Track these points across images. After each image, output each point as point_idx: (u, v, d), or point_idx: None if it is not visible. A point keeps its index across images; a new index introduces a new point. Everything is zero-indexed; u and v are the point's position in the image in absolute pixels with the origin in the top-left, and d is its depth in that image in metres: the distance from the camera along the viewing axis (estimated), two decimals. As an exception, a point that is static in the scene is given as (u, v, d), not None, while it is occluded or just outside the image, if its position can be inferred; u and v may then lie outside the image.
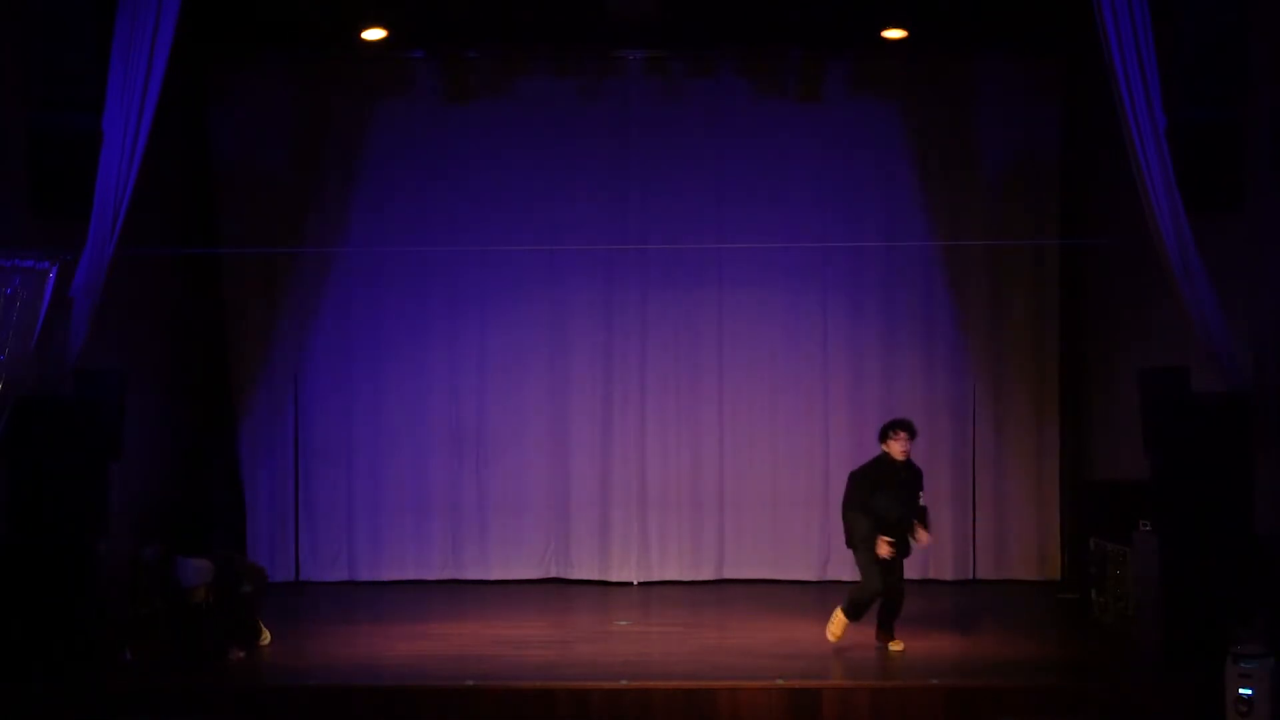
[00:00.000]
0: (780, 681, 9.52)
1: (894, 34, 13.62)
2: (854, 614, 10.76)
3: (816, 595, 13.63)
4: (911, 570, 14.18)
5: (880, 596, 10.74)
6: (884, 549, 10.54)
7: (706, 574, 14.33)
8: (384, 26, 13.60)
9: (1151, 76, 10.02)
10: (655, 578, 14.30)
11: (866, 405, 14.35)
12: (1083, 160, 14.02)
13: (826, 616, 12.42)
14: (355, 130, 14.32)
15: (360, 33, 13.61)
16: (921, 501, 10.84)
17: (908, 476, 10.72)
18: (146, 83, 10.17)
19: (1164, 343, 11.49)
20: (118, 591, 10.43)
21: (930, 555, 14.34)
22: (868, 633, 11.63)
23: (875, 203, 14.28)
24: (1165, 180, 10.03)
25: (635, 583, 14.26)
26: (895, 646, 10.78)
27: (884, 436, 10.75)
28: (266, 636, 10.92)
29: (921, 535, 10.82)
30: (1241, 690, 8.92)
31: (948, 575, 14.32)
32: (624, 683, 9.56)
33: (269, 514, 14.27)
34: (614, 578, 14.28)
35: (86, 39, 10.31)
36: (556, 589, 14.10)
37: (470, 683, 9.59)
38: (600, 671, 10.00)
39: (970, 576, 14.30)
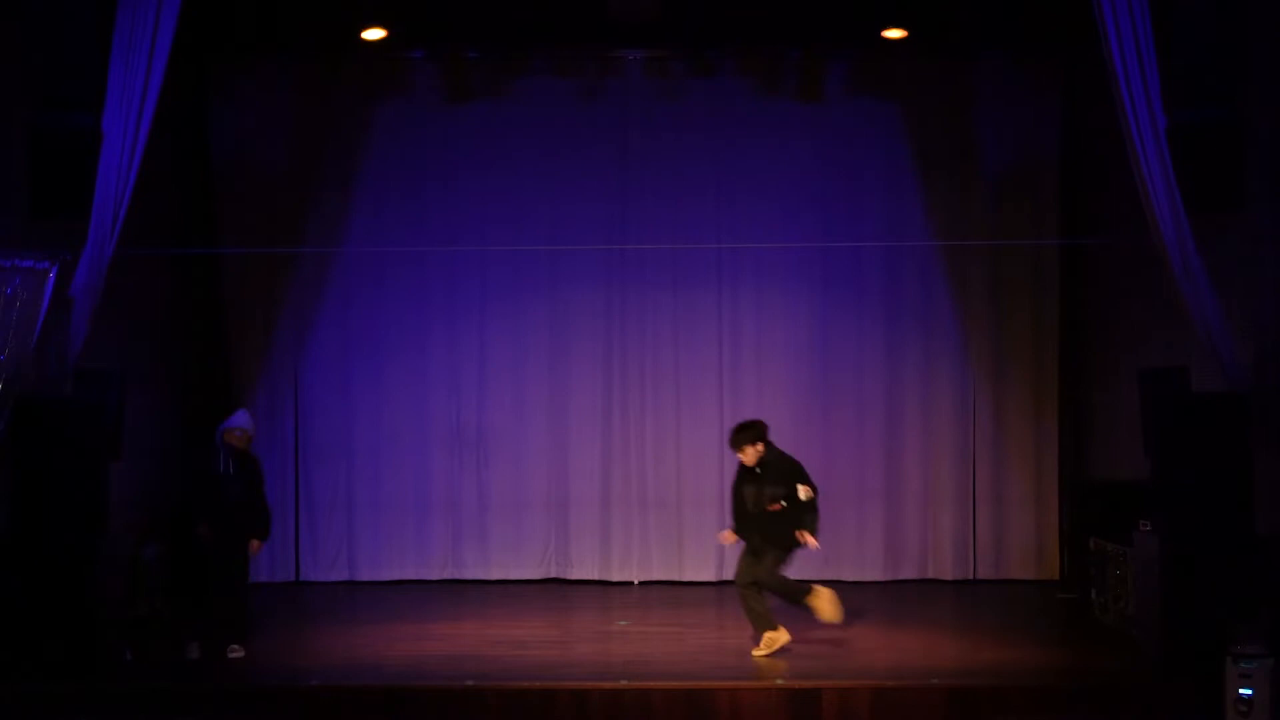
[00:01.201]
0: (780, 681, 9.54)
1: (894, 34, 13.61)
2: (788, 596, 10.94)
3: (816, 595, 13.63)
4: (911, 570, 14.32)
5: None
6: (725, 538, 11.01)
7: (706, 574, 14.32)
8: (384, 26, 13.60)
9: (1151, 76, 10.02)
10: (655, 578, 14.30)
11: (867, 405, 14.37)
12: (1083, 160, 14.02)
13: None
14: (355, 130, 14.32)
15: (360, 33, 13.61)
16: (801, 495, 10.70)
17: (762, 477, 10.73)
18: (146, 83, 10.17)
19: (1164, 343, 11.49)
20: (118, 591, 10.42)
21: (930, 555, 14.38)
22: (867, 633, 11.64)
23: (875, 203, 14.27)
24: (1165, 180, 10.03)
25: (635, 583, 14.26)
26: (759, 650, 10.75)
27: (733, 446, 10.92)
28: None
29: (807, 539, 10.75)
30: (1241, 690, 8.92)
31: (947, 575, 14.33)
32: (624, 683, 9.57)
33: (269, 514, 14.26)
34: (614, 578, 14.29)
35: (86, 39, 10.31)
36: (556, 589, 14.10)
37: (470, 683, 9.60)
38: (600, 671, 10.01)
39: (970, 576, 14.30)
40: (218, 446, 10.78)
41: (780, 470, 10.73)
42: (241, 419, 10.96)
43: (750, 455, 10.72)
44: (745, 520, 10.82)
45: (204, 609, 10.77)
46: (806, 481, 10.72)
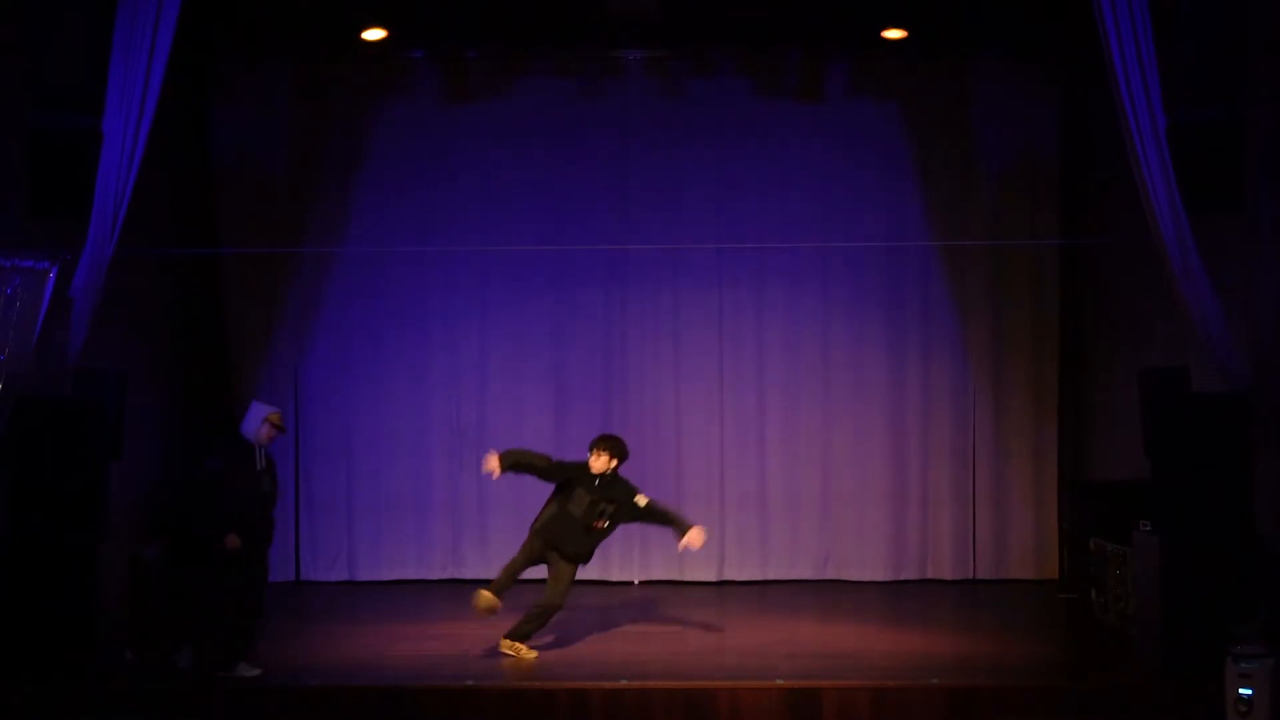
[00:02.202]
0: (780, 681, 9.53)
1: (894, 34, 13.63)
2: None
3: (816, 595, 13.65)
4: (911, 570, 14.31)
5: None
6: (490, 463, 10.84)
7: (707, 574, 14.32)
8: (384, 26, 13.62)
9: (1151, 76, 10.02)
10: (655, 578, 14.30)
11: (867, 405, 14.36)
12: (1083, 160, 14.03)
13: (826, 616, 12.48)
14: (355, 130, 14.32)
15: (360, 33, 13.62)
16: (640, 501, 10.79)
17: (598, 490, 10.71)
18: (146, 83, 10.17)
19: (1164, 343, 11.49)
20: (118, 591, 10.41)
21: (930, 555, 14.38)
22: (867, 633, 11.64)
23: (875, 202, 14.27)
24: (1165, 180, 10.02)
25: (635, 582, 14.26)
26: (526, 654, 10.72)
27: (590, 447, 10.86)
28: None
29: (693, 538, 10.69)
30: (1241, 690, 8.91)
31: (947, 575, 14.33)
32: (624, 683, 9.57)
33: (269, 514, 14.25)
34: (614, 578, 14.28)
35: (87, 39, 10.30)
36: (557, 589, 14.07)
37: (470, 683, 9.60)
38: (600, 671, 10.01)
39: (970, 576, 14.30)
40: (251, 442, 10.22)
41: (617, 491, 10.74)
42: (270, 406, 10.50)
43: (603, 464, 10.70)
44: (567, 523, 10.70)
45: (228, 621, 10.13)
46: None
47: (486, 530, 14.37)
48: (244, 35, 13.74)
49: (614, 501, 10.71)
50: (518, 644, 10.64)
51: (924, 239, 14.15)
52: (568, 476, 10.82)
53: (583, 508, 10.69)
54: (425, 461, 14.39)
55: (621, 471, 10.66)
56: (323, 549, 14.37)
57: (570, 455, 14.23)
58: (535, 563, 10.81)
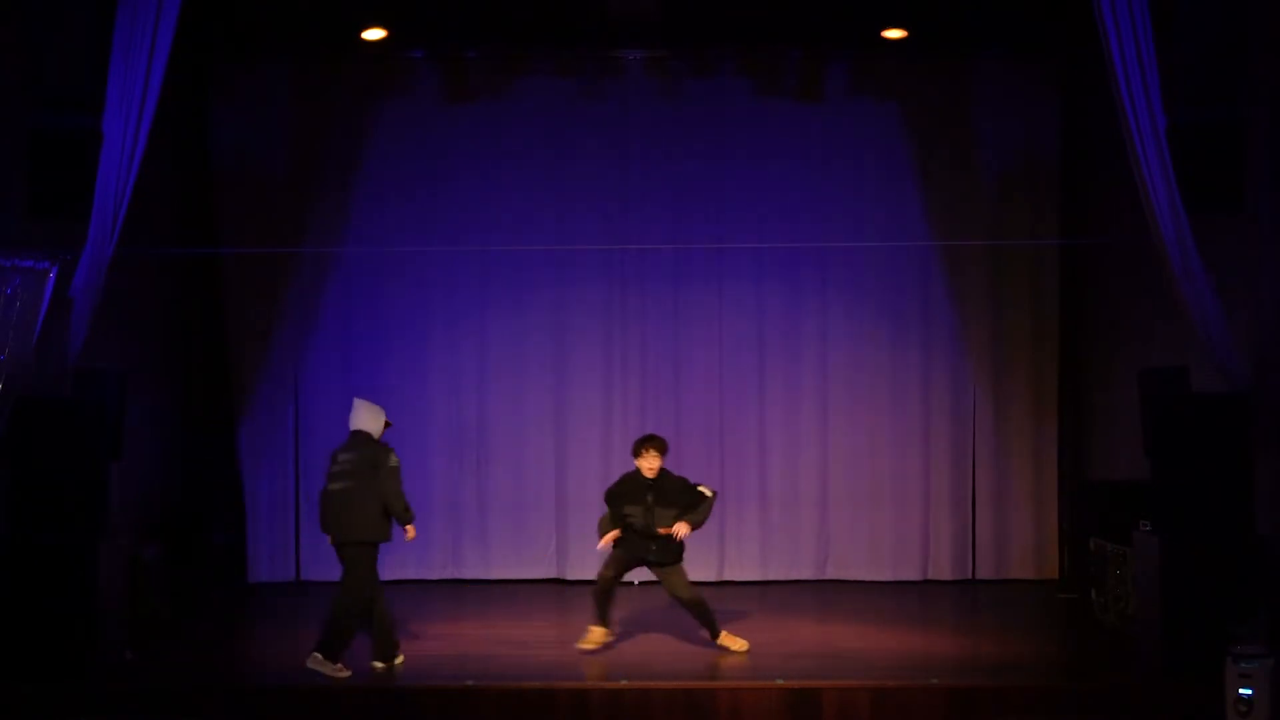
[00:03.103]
0: (780, 681, 9.53)
1: (894, 34, 13.63)
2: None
3: (816, 595, 13.64)
4: (911, 570, 14.31)
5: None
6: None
7: (707, 574, 14.29)
8: (384, 26, 13.61)
9: (1151, 76, 10.02)
10: (655, 578, 14.26)
11: (866, 405, 14.36)
12: (1083, 160, 14.02)
13: (826, 616, 12.48)
14: (355, 130, 14.31)
15: (360, 33, 13.62)
16: (707, 491, 10.81)
17: (659, 491, 10.68)
18: (146, 83, 10.17)
19: (1164, 343, 11.50)
20: (118, 591, 10.42)
21: (930, 555, 14.38)
22: (867, 633, 11.64)
23: (875, 202, 14.27)
24: (1165, 180, 10.02)
25: (635, 582, 14.23)
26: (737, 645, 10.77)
27: (636, 452, 10.80)
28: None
29: (679, 529, 10.69)
30: (1241, 690, 8.91)
31: (947, 575, 14.32)
32: (624, 683, 9.58)
33: (269, 514, 14.26)
34: (614, 578, 14.28)
35: (87, 39, 10.30)
36: (556, 589, 14.10)
37: (470, 683, 9.60)
38: (600, 671, 10.01)
39: (970, 576, 14.30)
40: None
41: (674, 491, 10.72)
42: (378, 405, 10.72)
43: (655, 465, 10.68)
44: (633, 540, 10.72)
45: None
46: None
47: (486, 530, 14.38)
48: (244, 35, 13.74)
49: (674, 505, 10.68)
50: (729, 638, 10.76)
51: (924, 239, 14.15)
52: (624, 498, 10.73)
53: (640, 520, 10.65)
54: (425, 461, 14.37)
55: (621, 471, 10.67)
56: (323, 549, 14.12)
57: (571, 453, 14.37)
58: (620, 576, 10.91)
